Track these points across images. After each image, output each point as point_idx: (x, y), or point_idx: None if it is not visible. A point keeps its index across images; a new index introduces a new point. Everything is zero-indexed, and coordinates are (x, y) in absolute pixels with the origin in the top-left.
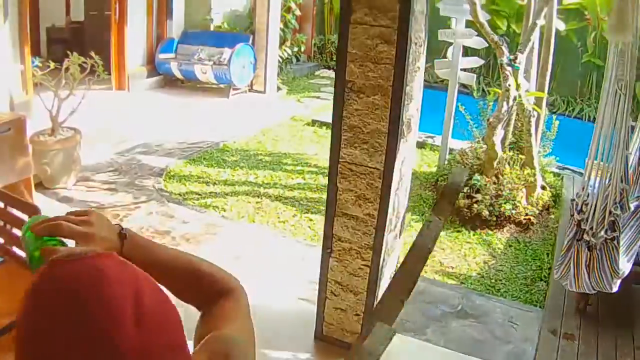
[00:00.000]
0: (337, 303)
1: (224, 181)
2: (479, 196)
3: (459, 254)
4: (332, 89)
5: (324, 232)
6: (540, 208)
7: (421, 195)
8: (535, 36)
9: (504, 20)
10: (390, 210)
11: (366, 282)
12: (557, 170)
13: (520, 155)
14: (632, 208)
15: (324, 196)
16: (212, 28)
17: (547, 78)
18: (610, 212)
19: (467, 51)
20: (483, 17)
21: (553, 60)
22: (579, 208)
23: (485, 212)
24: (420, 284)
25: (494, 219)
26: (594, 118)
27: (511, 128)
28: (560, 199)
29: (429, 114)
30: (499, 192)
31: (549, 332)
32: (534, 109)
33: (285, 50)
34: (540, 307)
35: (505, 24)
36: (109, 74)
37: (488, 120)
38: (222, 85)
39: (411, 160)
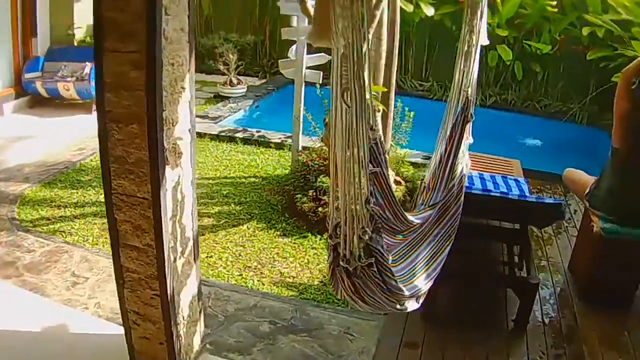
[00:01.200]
0: (140, 332)
1: (74, 203)
2: (325, 198)
3: (302, 261)
4: (201, 93)
5: (113, 264)
6: None
7: (270, 200)
8: (383, 27)
9: None
10: (170, 238)
11: (160, 311)
12: (422, 161)
13: None
14: (420, 220)
15: None
16: (75, 43)
17: (394, 70)
18: (360, 238)
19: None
20: None
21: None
22: (330, 231)
23: None
24: (252, 299)
25: None
26: None
27: None
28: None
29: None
30: None
31: (389, 342)
32: (376, 104)
33: None
34: (385, 314)
35: None
36: None
37: (324, 120)
38: (88, 101)
39: (190, 183)
